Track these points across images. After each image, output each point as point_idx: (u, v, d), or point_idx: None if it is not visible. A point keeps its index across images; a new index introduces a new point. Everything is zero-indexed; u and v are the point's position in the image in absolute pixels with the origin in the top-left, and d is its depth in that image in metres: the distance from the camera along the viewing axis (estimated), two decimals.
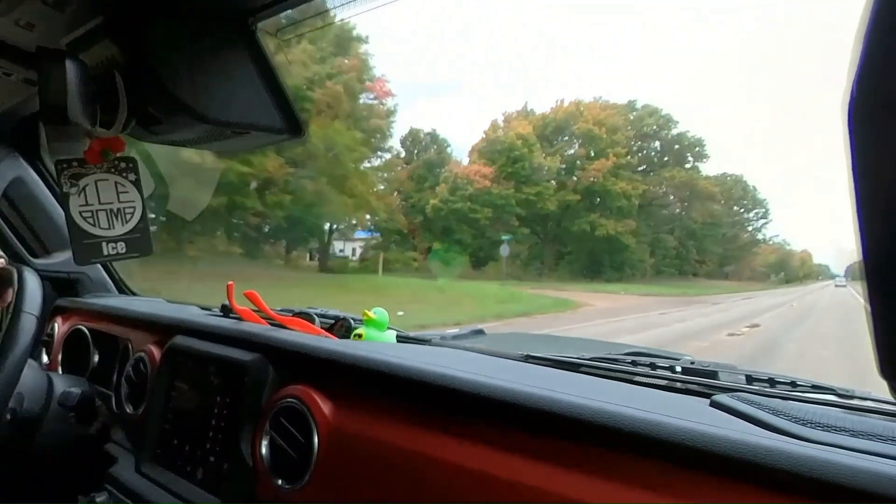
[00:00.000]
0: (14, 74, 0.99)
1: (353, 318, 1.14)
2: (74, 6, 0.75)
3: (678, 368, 0.84)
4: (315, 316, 1.14)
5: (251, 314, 1.14)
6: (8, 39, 0.88)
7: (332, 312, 1.21)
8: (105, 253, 0.90)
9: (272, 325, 1.09)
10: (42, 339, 1.45)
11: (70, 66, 0.72)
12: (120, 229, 0.91)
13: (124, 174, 0.91)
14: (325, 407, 0.80)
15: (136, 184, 0.92)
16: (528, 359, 0.93)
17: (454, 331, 1.23)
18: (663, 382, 0.80)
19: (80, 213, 0.87)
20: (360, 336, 1.02)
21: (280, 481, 0.81)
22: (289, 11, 0.81)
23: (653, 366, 0.86)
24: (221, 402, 0.94)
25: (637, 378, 0.82)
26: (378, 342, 1.01)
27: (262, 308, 1.13)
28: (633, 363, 0.87)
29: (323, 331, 1.08)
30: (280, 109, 0.89)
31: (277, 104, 0.89)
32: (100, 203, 0.89)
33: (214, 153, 1.09)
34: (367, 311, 1.04)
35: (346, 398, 0.81)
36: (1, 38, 0.87)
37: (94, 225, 0.88)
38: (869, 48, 0.25)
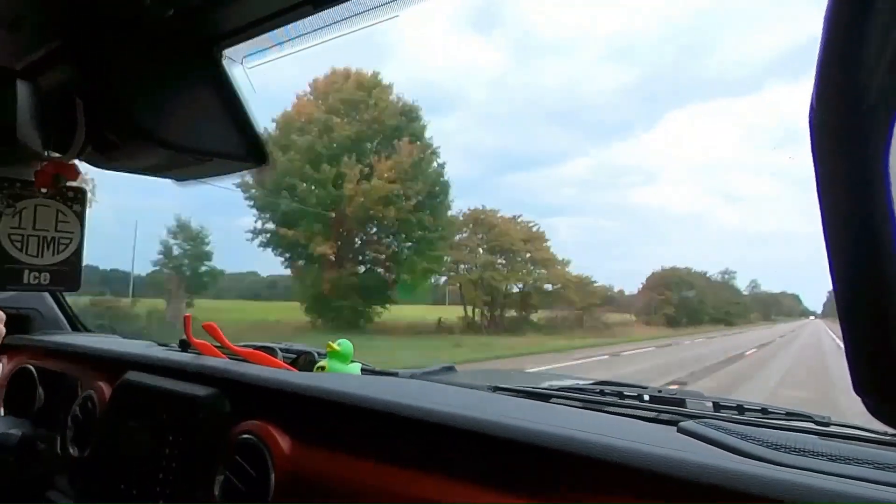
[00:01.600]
0: None
1: (317, 352, 1.11)
2: (31, 28, 0.74)
3: (646, 397, 0.83)
4: (278, 349, 1.10)
5: (211, 348, 1.09)
6: None
7: (296, 346, 1.18)
8: (25, 281, 0.84)
9: (233, 358, 1.05)
10: None
11: (21, 88, 0.70)
12: (48, 259, 0.86)
13: (69, 203, 0.87)
14: (284, 442, 0.76)
15: (80, 216, 0.88)
16: (496, 390, 0.91)
17: (425, 368, 1.21)
18: (632, 411, 0.78)
19: (10, 235, 0.83)
20: (322, 368, 0.99)
21: None
22: (254, 39, 0.81)
23: (621, 395, 0.85)
24: (174, 441, 0.89)
25: (606, 408, 0.81)
26: (341, 374, 0.98)
27: (221, 342, 1.09)
28: (602, 393, 0.86)
29: (285, 364, 1.04)
30: (245, 137, 0.88)
31: (242, 132, 0.88)
32: (33, 229, 0.84)
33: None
34: (331, 342, 1.01)
35: (305, 433, 0.77)
36: None
37: (20, 250, 0.83)
38: (824, 59, 0.26)
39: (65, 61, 0.78)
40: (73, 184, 0.88)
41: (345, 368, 1.00)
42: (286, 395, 0.80)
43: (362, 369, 1.05)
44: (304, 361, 1.07)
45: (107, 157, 0.85)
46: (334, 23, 0.72)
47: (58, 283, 0.87)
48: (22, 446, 1.03)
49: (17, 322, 1.47)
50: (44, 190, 0.85)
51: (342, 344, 1.02)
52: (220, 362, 0.98)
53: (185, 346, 1.17)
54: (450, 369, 1.21)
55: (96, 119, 0.81)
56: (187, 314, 1.10)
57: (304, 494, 0.73)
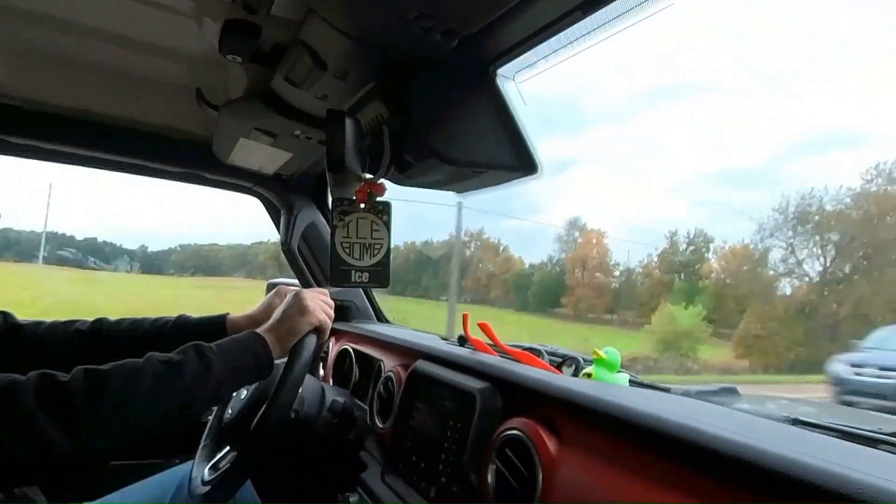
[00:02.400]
0: (313, 138, 1.25)
1: (582, 358, 1.10)
2: (355, 75, 0.92)
3: None
4: (544, 352, 1.13)
5: (484, 345, 1.19)
6: (309, 110, 1.11)
7: (561, 350, 1.19)
8: (353, 279, 1.05)
9: (502, 357, 1.12)
10: (320, 356, 1.74)
11: (349, 124, 0.88)
12: (367, 261, 1.05)
13: (379, 215, 1.06)
14: (550, 443, 0.77)
15: (387, 225, 1.06)
16: (795, 423, 0.76)
17: (700, 386, 1.09)
18: None
19: (341, 243, 1.04)
20: (588, 375, 0.98)
21: None
22: (526, 54, 0.85)
23: None
24: (453, 426, 0.99)
25: None
26: (608, 383, 0.95)
27: (494, 340, 1.17)
28: None
29: (551, 367, 1.06)
30: (515, 149, 0.93)
31: (513, 144, 0.93)
32: (357, 237, 1.05)
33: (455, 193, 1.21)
34: (597, 350, 0.99)
35: (571, 437, 0.77)
36: (304, 110, 1.11)
37: (349, 255, 1.04)
38: None
39: (376, 99, 0.95)
40: (381, 199, 1.05)
41: (612, 378, 0.97)
42: (554, 397, 0.82)
43: (630, 380, 1.00)
44: (569, 366, 1.07)
45: (405, 176, 0.99)
46: (604, 24, 0.71)
47: (374, 281, 1.07)
48: (344, 412, 1.27)
49: (341, 312, 1.84)
50: (362, 205, 1.04)
51: (609, 352, 0.99)
52: (493, 359, 1.05)
53: (462, 341, 1.29)
54: (731, 391, 1.07)
55: (398, 144, 0.96)
56: (465, 313, 1.21)
57: (567, 496, 0.73)
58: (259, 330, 0.95)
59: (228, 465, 1.02)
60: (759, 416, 0.81)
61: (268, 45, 0.94)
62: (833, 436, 0.72)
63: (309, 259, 1.87)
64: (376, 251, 1.06)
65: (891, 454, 0.65)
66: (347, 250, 1.05)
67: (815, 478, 0.49)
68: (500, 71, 0.90)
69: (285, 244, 1.79)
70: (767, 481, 0.53)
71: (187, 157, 1.58)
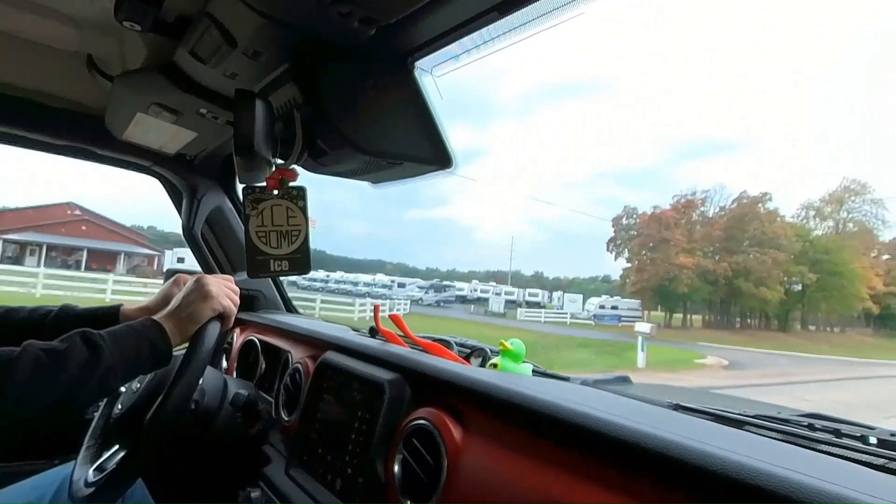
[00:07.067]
0: (220, 118, 1.18)
1: (490, 349, 1.14)
2: (267, 56, 0.88)
3: (872, 440, 0.70)
4: (454, 343, 1.16)
5: (395, 337, 1.19)
6: (217, 88, 1.05)
7: (470, 342, 1.22)
8: (272, 269, 1.00)
9: (413, 348, 1.13)
10: (223, 347, 1.66)
11: (259, 106, 0.84)
12: (286, 249, 1.01)
13: (294, 201, 1.02)
14: (456, 432, 0.79)
15: (304, 210, 1.03)
16: (677, 408, 0.83)
17: (597, 375, 1.17)
18: (852, 454, 0.66)
19: (257, 232, 1.00)
20: (495, 366, 1.01)
21: (408, 501, 0.82)
22: (444, 49, 0.85)
23: (837, 433, 0.72)
24: (361, 418, 0.98)
25: (816, 445, 0.69)
26: (513, 373, 0.99)
27: (405, 332, 1.18)
28: (811, 427, 0.74)
29: (460, 358, 1.08)
30: (431, 142, 0.94)
31: (429, 137, 0.93)
32: (272, 225, 1.01)
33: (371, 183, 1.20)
34: (503, 341, 1.03)
35: (476, 426, 0.79)
36: (211, 87, 1.05)
37: (265, 244, 1.00)
38: None
39: (288, 82, 0.91)
40: (294, 184, 1.02)
41: (517, 368, 1.01)
42: (461, 387, 0.84)
43: (533, 370, 1.05)
44: (477, 357, 1.10)
45: (318, 163, 0.97)
46: (520, 26, 0.73)
47: (294, 269, 1.03)
48: (248, 405, 1.23)
49: (247, 301, 1.77)
50: (275, 192, 1.00)
51: (514, 343, 1.03)
52: (402, 350, 1.06)
53: (373, 332, 1.29)
54: (624, 380, 1.15)
55: (310, 130, 0.94)
56: (376, 304, 1.20)
57: (473, 485, 0.75)
58: (156, 316, 0.88)
59: (116, 465, 0.94)
60: (646, 402, 0.88)
61: (171, 14, 0.88)
62: (708, 419, 0.80)
63: (213, 245, 1.77)
64: (294, 238, 1.02)
65: (754, 434, 0.73)
66: (263, 239, 1.00)
67: (689, 456, 0.54)
68: (419, 63, 0.90)
69: (187, 229, 1.69)
70: (651, 461, 0.58)
71: (75, 129, 1.44)
